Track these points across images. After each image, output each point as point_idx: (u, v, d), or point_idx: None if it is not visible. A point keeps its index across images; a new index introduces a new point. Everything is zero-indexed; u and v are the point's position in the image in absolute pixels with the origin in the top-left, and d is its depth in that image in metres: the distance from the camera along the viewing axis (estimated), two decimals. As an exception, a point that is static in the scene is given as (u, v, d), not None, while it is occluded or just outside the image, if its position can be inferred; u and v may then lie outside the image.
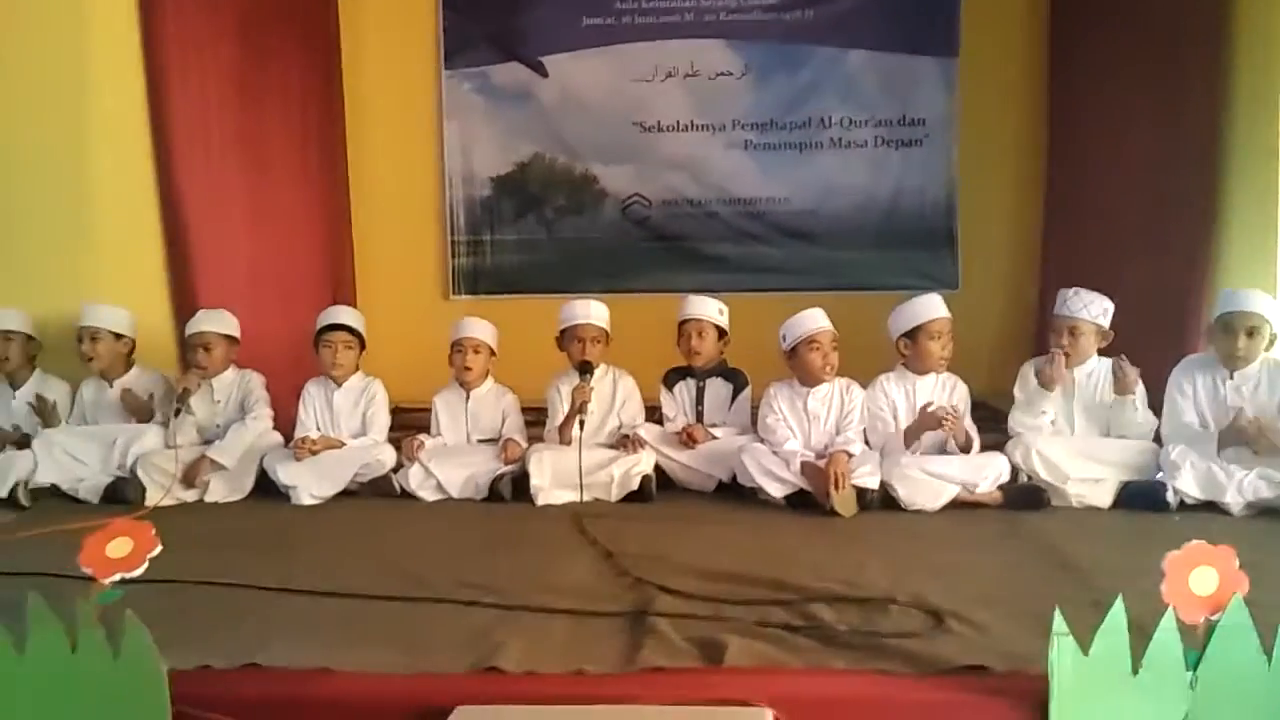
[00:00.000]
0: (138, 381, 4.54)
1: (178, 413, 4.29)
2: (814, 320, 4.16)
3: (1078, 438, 4.01)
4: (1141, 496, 3.76)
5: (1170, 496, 3.70)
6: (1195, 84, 4.54)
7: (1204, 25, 4.48)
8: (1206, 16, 4.46)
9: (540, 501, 4.02)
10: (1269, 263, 4.13)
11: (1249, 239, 4.29)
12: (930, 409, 3.94)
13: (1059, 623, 1.91)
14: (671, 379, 4.54)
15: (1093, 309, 4.03)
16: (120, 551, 2.20)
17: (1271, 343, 3.83)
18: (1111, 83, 5.16)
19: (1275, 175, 4.11)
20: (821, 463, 3.88)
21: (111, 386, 4.51)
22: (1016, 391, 4.17)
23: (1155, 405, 4.02)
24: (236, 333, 4.54)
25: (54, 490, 4.22)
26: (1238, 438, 3.74)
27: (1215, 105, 4.45)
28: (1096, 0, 5.32)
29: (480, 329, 4.52)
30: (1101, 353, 4.10)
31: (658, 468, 4.23)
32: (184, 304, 4.81)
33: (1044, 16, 5.80)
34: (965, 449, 3.96)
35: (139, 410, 4.44)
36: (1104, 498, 3.82)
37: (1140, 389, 3.98)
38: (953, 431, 3.92)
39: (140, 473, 4.18)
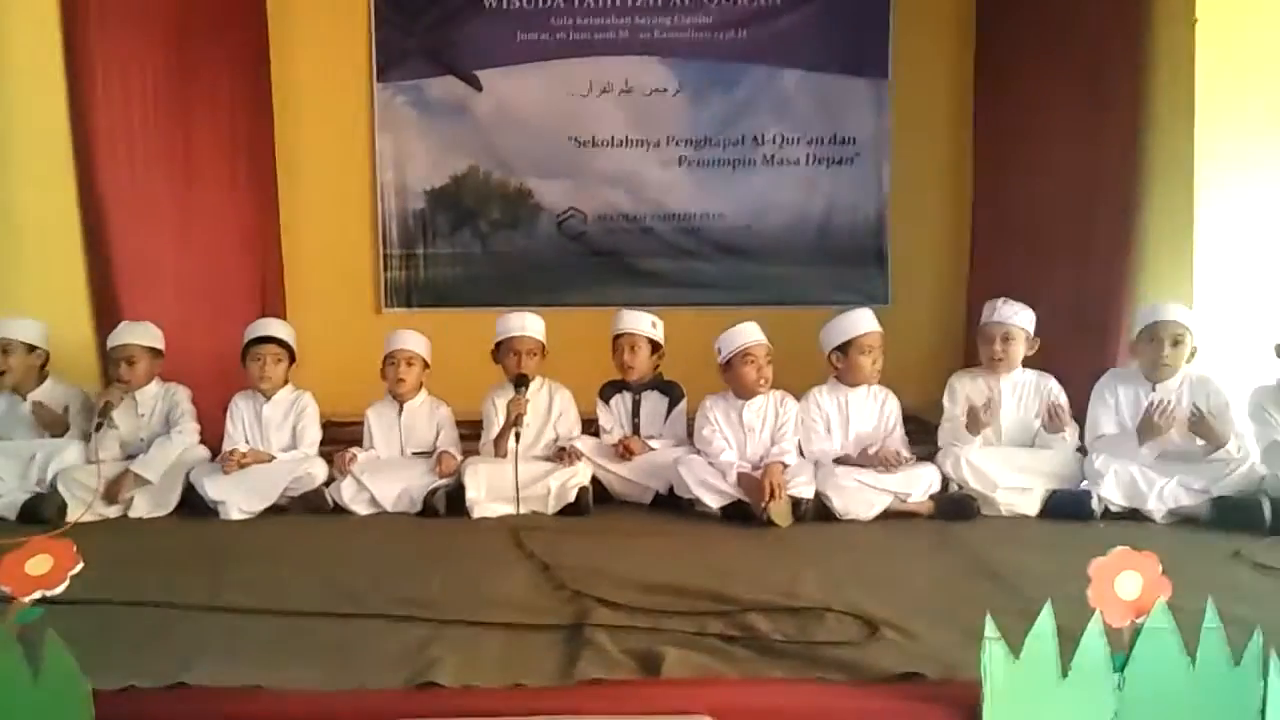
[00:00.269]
0: (51, 395, 4.39)
1: (99, 427, 4.16)
2: (748, 334, 4.20)
3: (1005, 448, 4.10)
4: (1067, 504, 3.86)
5: (1095, 504, 3.81)
6: (1116, 103, 4.69)
7: (1124, 47, 4.63)
8: (1127, 39, 4.61)
9: (476, 514, 3.99)
10: (1185, 276, 4.27)
11: (1167, 253, 4.44)
12: (873, 451, 4.01)
13: (990, 628, 1.95)
14: (607, 392, 4.55)
15: (1022, 316, 4.16)
16: (40, 569, 2.13)
17: (1193, 355, 3.97)
18: (1036, 103, 5.32)
19: (1190, 192, 4.26)
20: (757, 474, 3.92)
21: (25, 400, 4.36)
22: (945, 402, 4.25)
23: (1080, 415, 4.14)
24: (160, 345, 4.43)
25: (-31, 507, 4.06)
26: (1150, 431, 3.85)
27: (1135, 124, 4.59)
28: (1022, 24, 5.48)
29: (413, 341, 4.48)
30: (1025, 363, 4.21)
31: (595, 480, 4.22)
32: (107, 317, 4.68)
33: (971, 39, 5.97)
34: (895, 465, 4.01)
35: (52, 424, 4.30)
36: (1032, 506, 3.92)
37: (1070, 423, 4.07)
38: (889, 467, 3.97)
39: (61, 488, 4.05)
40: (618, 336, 4.47)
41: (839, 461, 4.08)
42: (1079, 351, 4.55)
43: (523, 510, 4.02)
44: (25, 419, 4.33)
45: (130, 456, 4.25)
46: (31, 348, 4.37)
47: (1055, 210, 5.13)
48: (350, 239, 6.22)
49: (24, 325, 4.36)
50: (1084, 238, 4.89)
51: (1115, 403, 4.06)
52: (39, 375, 4.41)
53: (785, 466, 3.97)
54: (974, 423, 4.02)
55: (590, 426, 4.52)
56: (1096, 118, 4.82)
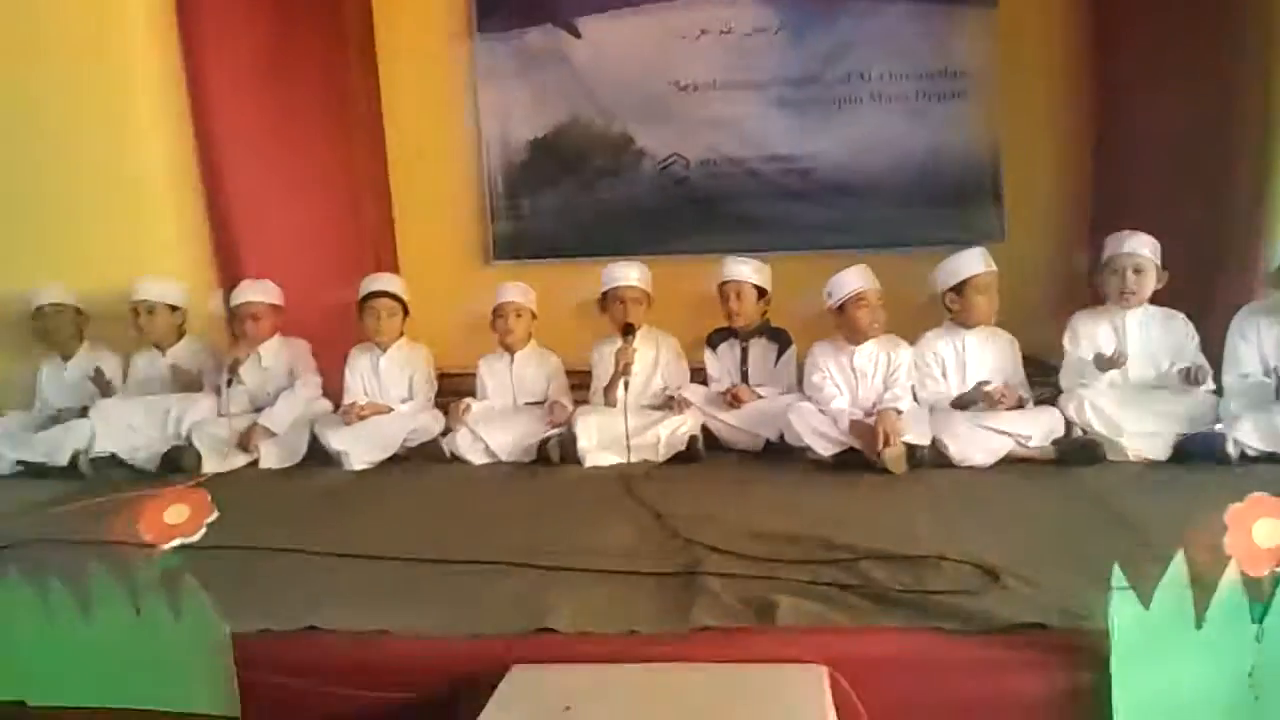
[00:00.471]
0: (187, 352, 4.62)
1: (229, 383, 4.36)
2: (860, 277, 4.11)
3: (1132, 389, 3.93)
4: (1200, 448, 3.65)
5: (1230, 448, 3.60)
6: (1251, 34, 4.37)
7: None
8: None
9: (588, 463, 4.04)
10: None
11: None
12: (986, 388, 3.90)
13: (1118, 577, 1.88)
14: (715, 340, 4.53)
15: (1153, 247, 3.96)
16: (178, 518, 2.24)
17: None
18: (1158, 29, 5.00)
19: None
20: (870, 420, 3.85)
21: (165, 356, 4.58)
22: (1066, 343, 4.09)
23: (1214, 355, 3.93)
24: (281, 301, 4.60)
25: (113, 459, 4.30)
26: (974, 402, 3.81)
27: (1271, 58, 4.28)
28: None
29: (519, 293, 4.53)
30: (1153, 300, 4.02)
31: (704, 429, 4.22)
32: (229, 275, 4.85)
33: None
34: (1018, 408, 3.90)
35: (189, 384, 4.51)
36: (1162, 451, 3.73)
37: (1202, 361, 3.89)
38: (1005, 406, 3.87)
39: (195, 440, 4.26)
40: (723, 284, 4.43)
41: (955, 404, 3.98)
42: (1211, 288, 4.32)
43: (634, 459, 4.04)
44: (165, 376, 4.56)
45: (258, 409, 4.44)
46: (173, 308, 4.58)
47: (1181, 142, 4.83)
48: (455, 192, 6.28)
49: (166, 286, 4.60)
50: (1213, 172, 4.61)
51: (1257, 338, 3.84)
52: (178, 333, 4.63)
53: (899, 413, 3.88)
54: (1106, 364, 3.86)
55: (699, 375, 4.51)
56: (1226, 55, 4.51)
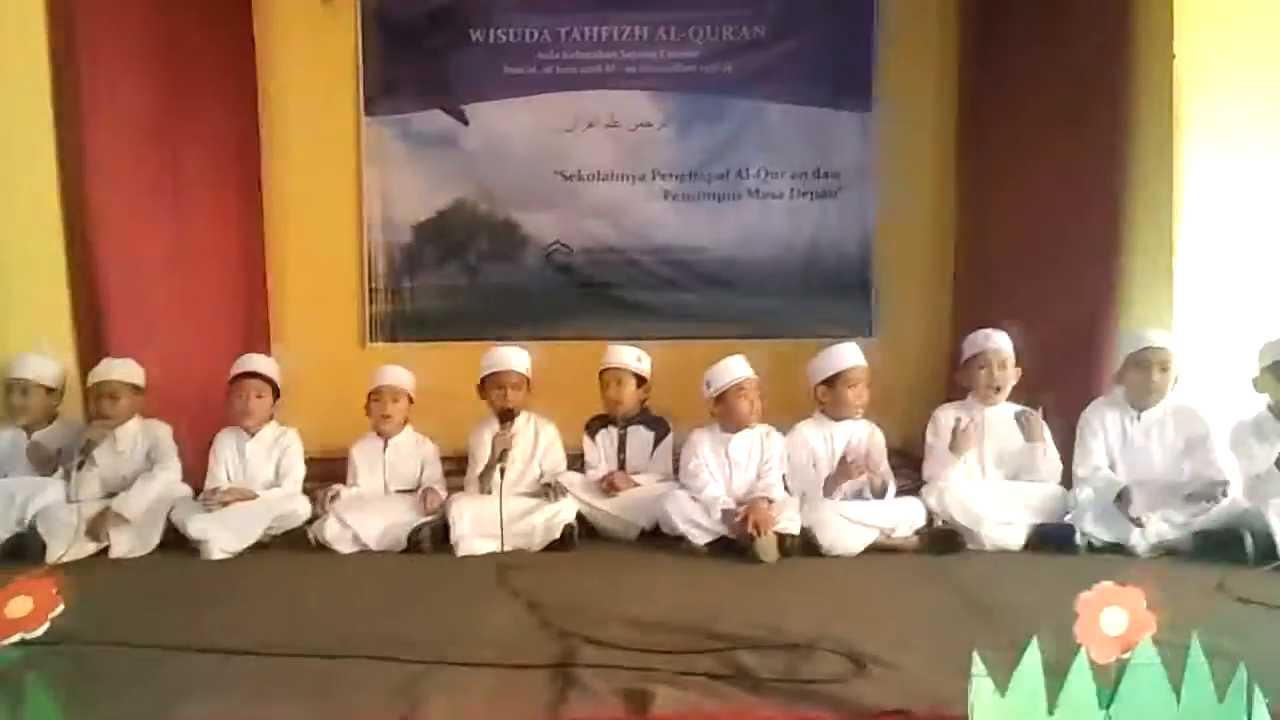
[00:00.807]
0: (52, 434, 4.37)
1: (80, 465, 4.13)
2: (740, 368, 4.22)
3: (990, 481, 4.13)
4: (1052, 538, 3.88)
5: (1079, 539, 3.82)
6: (1099, 137, 4.74)
7: (1107, 82, 4.69)
8: (1110, 75, 4.67)
9: (461, 552, 3.96)
10: (1166, 308, 4.32)
11: (1149, 285, 4.49)
12: (849, 460, 4.03)
13: (977, 664, 1.94)
14: (594, 427, 4.55)
15: (1010, 345, 4.18)
16: (20, 611, 2.09)
17: (1175, 383, 4.00)
18: (1022, 134, 5.37)
19: (1172, 225, 4.32)
20: (742, 509, 3.91)
21: (30, 437, 4.33)
22: (929, 437, 4.27)
23: (1065, 444, 4.16)
24: (142, 382, 4.40)
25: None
26: (842, 476, 3.99)
27: (1118, 157, 4.64)
28: (1005, 58, 5.55)
29: (399, 376, 4.47)
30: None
31: (580, 516, 4.21)
32: (92, 351, 4.64)
33: (954, 73, 6.04)
34: (881, 494, 4.04)
35: (44, 464, 4.26)
36: (1017, 539, 3.93)
37: (1047, 435, 4.11)
38: (869, 478, 3.99)
39: (40, 527, 4.00)
40: (604, 371, 4.49)
41: (827, 483, 4.08)
42: (1064, 383, 4.55)
43: (508, 547, 3.99)
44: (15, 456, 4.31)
45: (111, 494, 4.21)
46: (50, 389, 4.36)
47: (1040, 242, 5.17)
48: (336, 271, 6.22)
49: (45, 365, 4.37)
50: (1069, 269, 4.93)
51: (1104, 433, 4.08)
52: (50, 416, 4.40)
53: (770, 502, 3.97)
54: (957, 444, 4.04)
55: (576, 462, 4.51)
56: (1081, 148, 4.88)
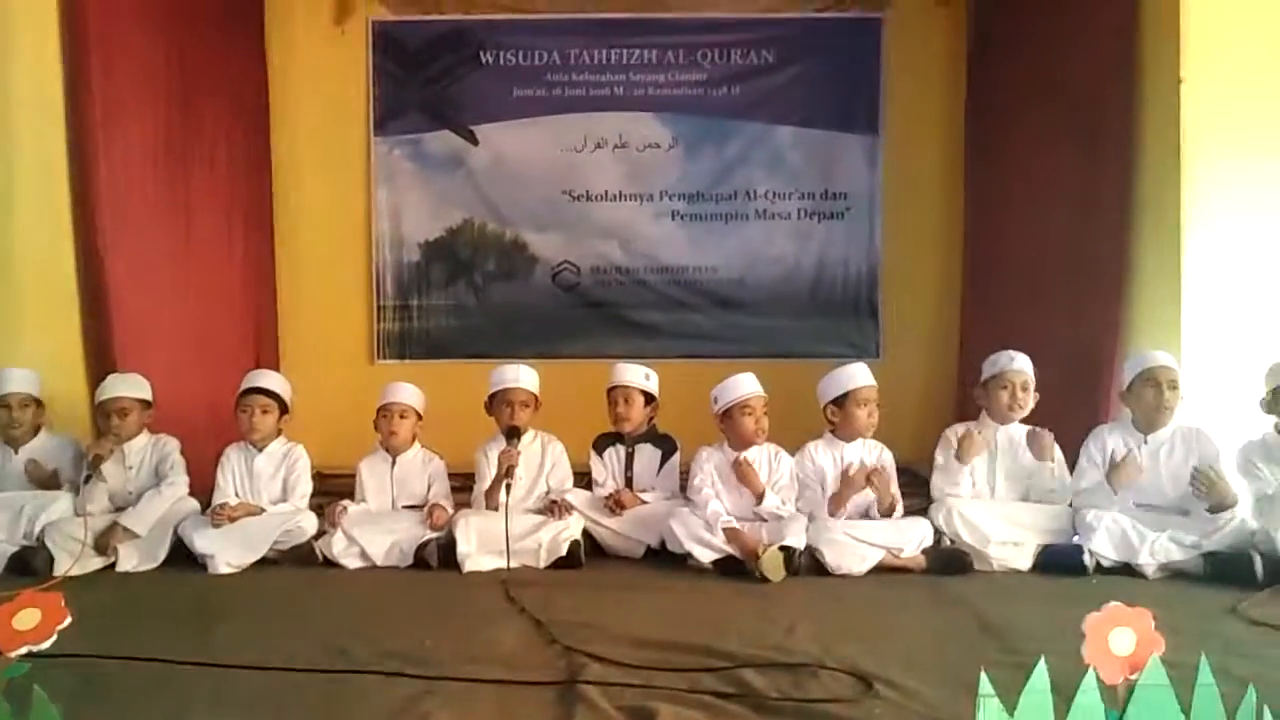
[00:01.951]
0: (45, 447, 4.38)
1: (88, 479, 4.14)
2: (746, 385, 4.22)
3: (998, 502, 4.11)
4: (1059, 559, 3.86)
5: (1087, 559, 3.80)
6: (1106, 159, 4.76)
7: (1114, 105, 4.70)
8: (1116, 97, 4.69)
9: (467, 568, 3.95)
10: (1174, 330, 4.31)
11: (1156, 307, 4.49)
12: (851, 471, 4.02)
13: (984, 685, 1.93)
14: (601, 444, 4.55)
15: (1030, 364, 4.19)
16: (28, 623, 2.10)
17: (1180, 402, 3.99)
18: (1028, 158, 5.40)
19: (1178, 248, 4.31)
20: (746, 527, 3.92)
21: (16, 453, 4.34)
22: (938, 456, 4.26)
23: (1073, 465, 4.15)
24: (150, 397, 4.42)
25: (-43, 560, 4.01)
26: (851, 487, 4.01)
27: (1125, 180, 4.64)
28: (1013, 81, 5.58)
29: (407, 394, 4.48)
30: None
31: (586, 533, 4.20)
32: (101, 368, 4.66)
33: (962, 95, 6.07)
34: (889, 512, 4.03)
35: (44, 481, 4.27)
36: (1024, 560, 3.92)
37: (1058, 454, 4.11)
38: (876, 488, 3.99)
39: (49, 541, 4.00)
40: (612, 389, 4.49)
41: (833, 500, 4.08)
42: (1071, 405, 4.57)
43: (514, 564, 3.97)
44: (17, 471, 4.31)
45: (119, 509, 4.22)
46: (36, 401, 4.37)
47: (1047, 264, 5.19)
48: (345, 290, 6.27)
49: (27, 377, 4.37)
50: (1075, 292, 4.94)
51: (1103, 458, 4.07)
52: (35, 428, 4.41)
53: (780, 519, 3.97)
54: (963, 452, 4.05)
55: (584, 479, 4.51)
56: (1087, 173, 4.89)
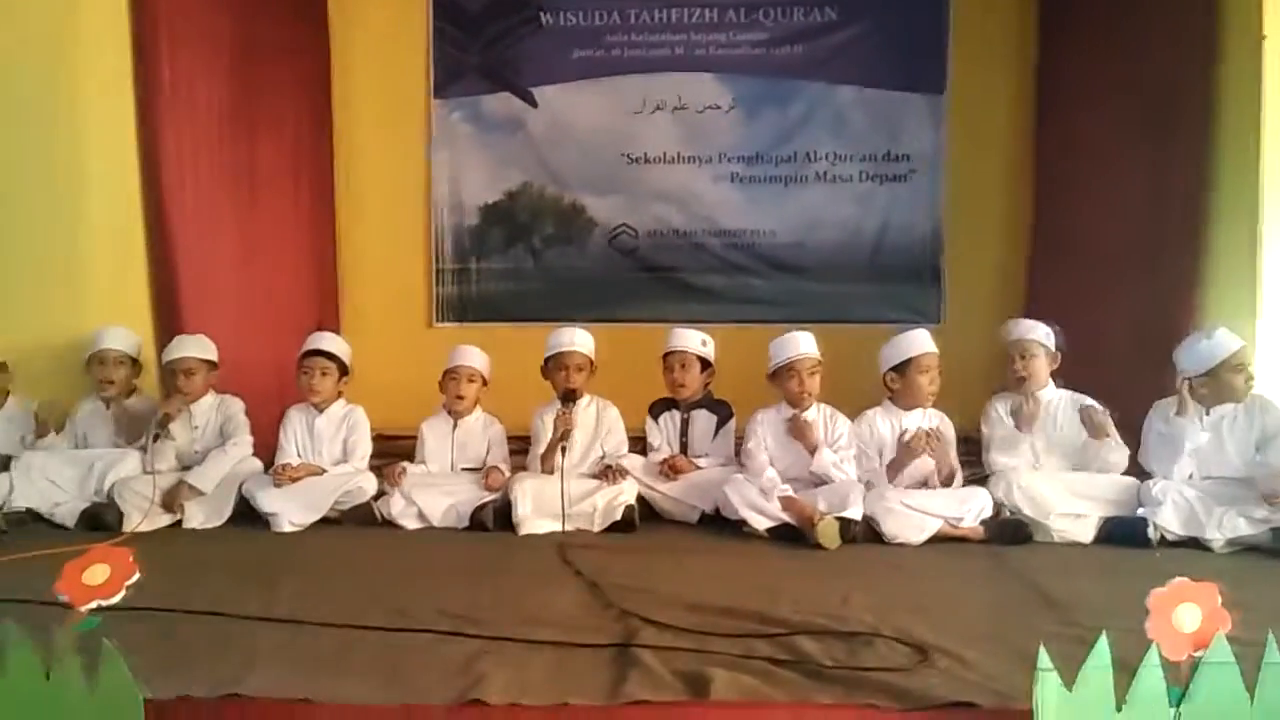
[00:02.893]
0: (138, 408, 4.50)
1: (157, 438, 4.25)
2: (796, 345, 4.19)
3: (1060, 473, 4.02)
4: (1123, 532, 3.77)
5: (1152, 532, 3.71)
6: (1185, 122, 4.59)
7: (1192, 71, 4.53)
8: (1196, 53, 4.52)
9: (523, 531, 3.99)
10: (1250, 308, 4.16)
11: (1232, 281, 4.33)
12: (906, 438, 3.98)
13: (1044, 658, 1.90)
14: (657, 409, 4.55)
15: (1038, 330, 4.10)
16: (98, 578, 2.16)
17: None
18: (1099, 121, 5.22)
19: (1256, 222, 4.15)
20: (801, 492, 3.93)
21: (109, 409, 4.47)
22: (984, 428, 4.20)
23: (1133, 440, 4.04)
24: (215, 358, 4.52)
25: (30, 514, 4.15)
26: (907, 455, 3.93)
27: (1202, 150, 4.49)
28: (1086, 40, 5.39)
29: (475, 358, 4.51)
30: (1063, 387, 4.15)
31: (641, 498, 4.21)
32: (168, 330, 4.78)
33: (1032, 55, 5.88)
34: (948, 481, 3.98)
35: (134, 434, 4.41)
36: (1086, 533, 3.84)
37: (1111, 427, 4.00)
38: (935, 454, 3.95)
39: (118, 498, 4.13)
40: (668, 354, 4.48)
41: (891, 467, 4.05)
42: (1139, 374, 4.44)
43: (569, 527, 4.01)
44: (107, 426, 4.45)
45: (186, 467, 4.33)
46: (133, 360, 4.51)
47: (1117, 231, 5.03)
48: (404, 253, 6.31)
49: (127, 337, 4.52)
50: (1147, 263, 4.79)
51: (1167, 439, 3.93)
52: (129, 389, 4.54)
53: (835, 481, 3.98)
54: (1023, 420, 3.99)
55: (639, 444, 4.51)
56: (1162, 144, 4.73)
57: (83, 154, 4.64)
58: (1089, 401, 4.06)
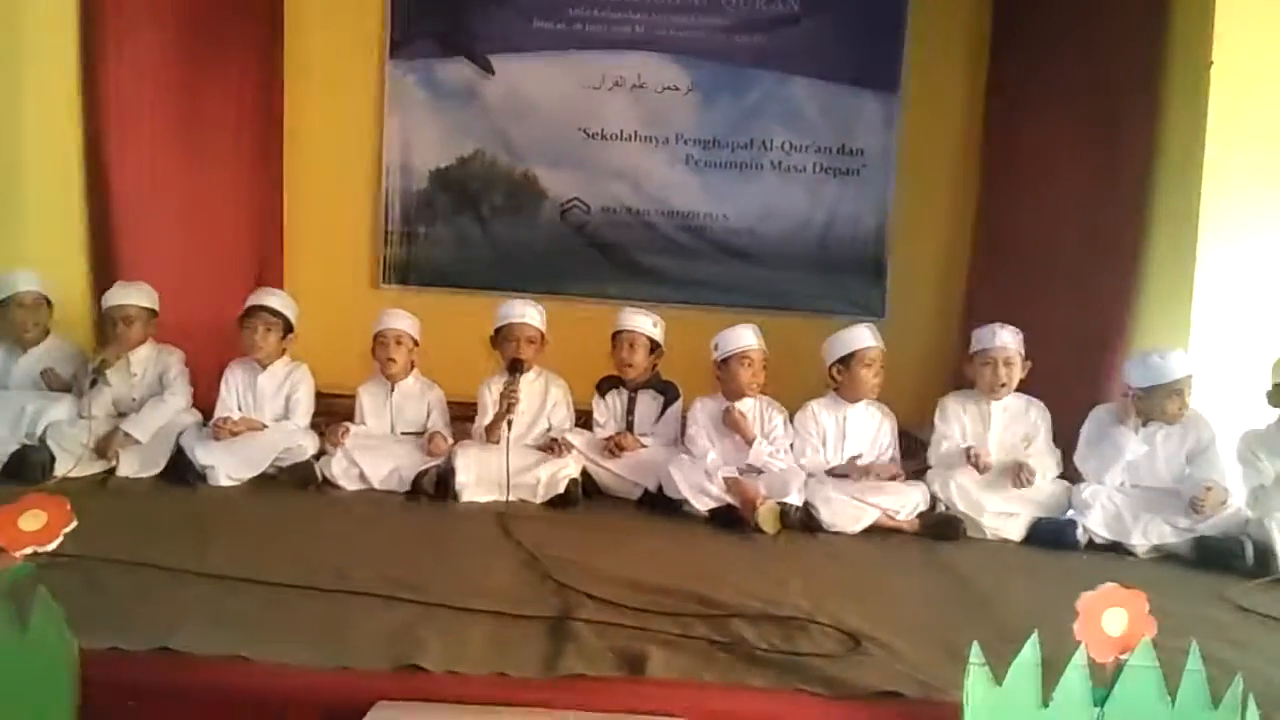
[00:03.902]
0: (54, 352, 4.38)
1: (93, 384, 4.15)
2: (749, 336, 4.23)
3: (994, 473, 4.12)
4: (1052, 533, 3.88)
5: (1079, 534, 3.83)
6: (1130, 130, 4.69)
7: (1141, 73, 4.61)
8: (1143, 65, 4.61)
9: (464, 499, 3.99)
10: (1184, 316, 4.29)
11: (1167, 292, 4.46)
12: (859, 463, 4.10)
13: (976, 653, 1.96)
14: (604, 387, 4.55)
15: (1018, 341, 4.18)
16: (34, 525, 2.13)
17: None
18: (1045, 127, 5.29)
19: (1194, 236, 4.27)
20: (745, 478, 3.96)
21: (24, 353, 4.34)
22: (938, 423, 4.28)
23: (1068, 444, 4.16)
24: (156, 306, 4.43)
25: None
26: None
27: (1144, 162, 4.58)
28: (1037, 51, 5.47)
29: (402, 320, 4.46)
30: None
31: (584, 473, 4.23)
32: (105, 277, 4.66)
33: (984, 60, 5.97)
34: (891, 480, 4.06)
35: (60, 389, 4.29)
36: (1017, 531, 3.94)
37: (1044, 430, 4.16)
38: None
39: (50, 442, 4.04)
40: (618, 333, 4.48)
41: (831, 473, 4.11)
42: (1072, 380, 4.55)
43: (511, 498, 4.01)
44: (25, 372, 4.32)
45: (121, 415, 4.24)
46: (48, 301, 4.37)
47: (1060, 235, 5.12)
48: (352, 214, 6.19)
49: (35, 278, 4.37)
50: (1086, 270, 4.89)
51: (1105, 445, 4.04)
52: (44, 330, 4.41)
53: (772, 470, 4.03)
54: (972, 463, 4.05)
55: (584, 418, 4.52)
56: (1106, 152, 4.81)
57: (20, 100, 4.51)
58: (1040, 416, 4.21)
